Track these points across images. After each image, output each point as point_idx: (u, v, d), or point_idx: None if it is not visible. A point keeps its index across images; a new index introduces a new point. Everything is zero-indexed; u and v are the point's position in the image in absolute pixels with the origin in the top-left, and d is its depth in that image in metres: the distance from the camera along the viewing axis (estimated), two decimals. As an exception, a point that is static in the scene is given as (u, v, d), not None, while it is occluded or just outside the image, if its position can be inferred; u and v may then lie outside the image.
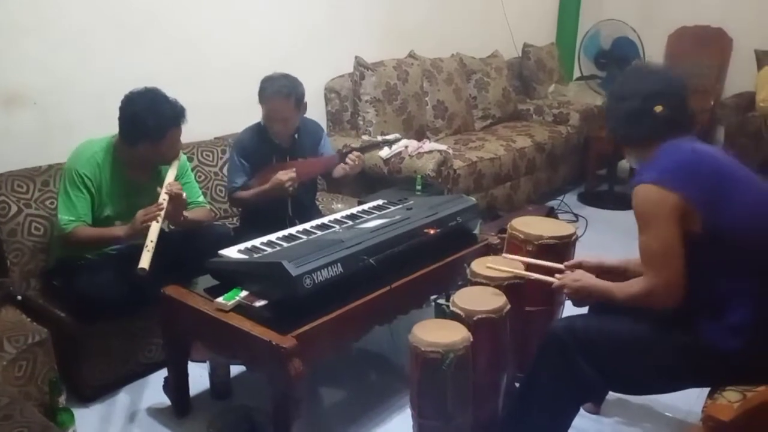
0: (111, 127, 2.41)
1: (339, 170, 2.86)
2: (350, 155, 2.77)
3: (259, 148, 2.75)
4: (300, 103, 2.68)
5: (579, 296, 1.92)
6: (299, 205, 2.81)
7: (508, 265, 2.17)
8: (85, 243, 2.37)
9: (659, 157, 1.76)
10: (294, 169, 2.64)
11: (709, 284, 1.72)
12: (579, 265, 2.03)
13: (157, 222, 2.21)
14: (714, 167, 1.74)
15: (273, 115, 2.65)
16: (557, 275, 2.00)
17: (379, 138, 3.64)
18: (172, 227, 2.55)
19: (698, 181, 1.69)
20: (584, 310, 2.11)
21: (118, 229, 2.36)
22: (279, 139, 2.74)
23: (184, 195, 2.38)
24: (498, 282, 2.15)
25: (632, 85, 1.85)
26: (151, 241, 2.15)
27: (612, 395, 2.16)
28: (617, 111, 1.86)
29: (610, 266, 2.03)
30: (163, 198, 2.28)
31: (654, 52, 4.42)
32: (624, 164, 5.27)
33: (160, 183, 2.36)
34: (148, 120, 2.28)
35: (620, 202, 4.69)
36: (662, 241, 1.68)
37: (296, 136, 2.79)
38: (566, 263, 2.07)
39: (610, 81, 4.61)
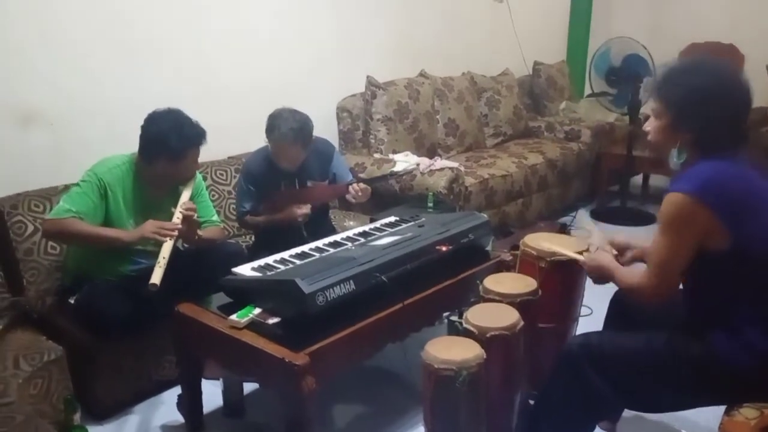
0: (124, 147, 2.45)
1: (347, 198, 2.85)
2: (353, 186, 2.72)
3: (266, 174, 2.77)
4: (307, 143, 2.68)
5: (594, 273, 1.99)
6: (313, 224, 2.82)
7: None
8: (73, 236, 2.31)
9: (701, 166, 1.70)
10: (309, 206, 2.68)
11: (729, 301, 1.71)
12: (610, 242, 2.10)
13: (170, 240, 2.23)
14: (748, 187, 1.70)
15: (280, 156, 2.68)
16: (585, 253, 2.13)
17: (388, 171, 3.62)
18: (186, 245, 2.57)
19: (732, 199, 1.66)
20: (599, 325, 2.10)
21: (122, 232, 2.35)
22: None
23: (196, 216, 2.40)
24: (511, 299, 2.15)
25: (736, 91, 1.73)
26: (164, 258, 2.17)
27: (628, 412, 2.14)
28: (710, 108, 1.71)
29: (635, 247, 2.06)
30: (177, 217, 2.30)
31: (665, 68, 4.42)
32: (636, 180, 5.27)
33: (176, 202, 2.39)
34: (171, 140, 2.32)
35: (632, 218, 4.68)
36: (674, 253, 1.68)
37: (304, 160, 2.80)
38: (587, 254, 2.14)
39: (621, 98, 4.63)
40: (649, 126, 1.84)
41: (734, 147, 1.72)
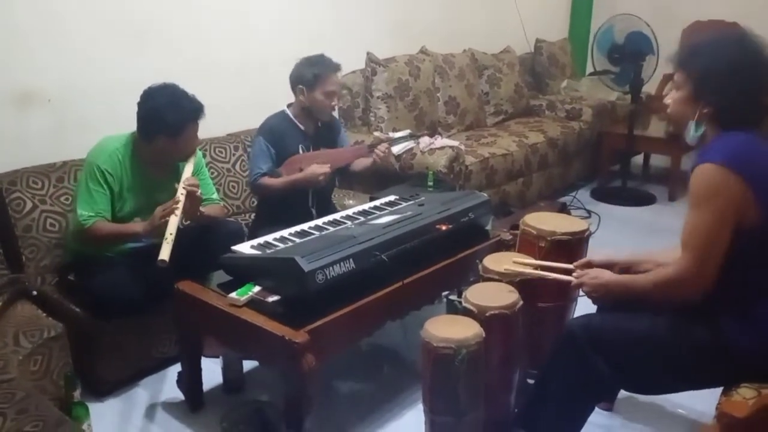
0: (123, 124, 2.43)
1: (360, 163, 2.89)
2: (381, 146, 2.82)
3: (286, 135, 2.79)
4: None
5: (599, 293, 1.86)
6: (320, 197, 2.86)
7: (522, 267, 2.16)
8: (104, 238, 2.38)
9: (723, 139, 1.67)
10: (329, 165, 2.71)
11: (742, 279, 1.67)
12: (588, 264, 1.99)
13: (176, 216, 2.23)
14: None
15: (332, 89, 2.77)
16: (575, 274, 1.96)
17: (405, 132, 3.63)
18: (187, 222, 2.56)
19: (762, 170, 1.62)
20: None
21: (137, 226, 2.38)
22: (323, 119, 2.84)
23: (199, 192, 2.39)
24: (510, 278, 2.15)
25: (760, 65, 1.69)
26: (171, 234, 2.17)
27: (625, 392, 2.15)
28: (733, 81, 1.67)
29: (618, 262, 1.98)
30: (181, 193, 2.30)
31: (668, 47, 4.36)
32: (637, 160, 5.26)
33: (178, 179, 2.37)
34: (168, 115, 2.30)
35: (633, 198, 4.68)
36: (712, 224, 1.60)
37: (319, 124, 2.86)
38: (575, 264, 2.02)
39: (623, 76, 4.59)
40: (669, 98, 1.80)
41: (754, 122, 1.69)
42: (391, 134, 3.57)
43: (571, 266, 2.01)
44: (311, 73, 2.72)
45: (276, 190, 2.76)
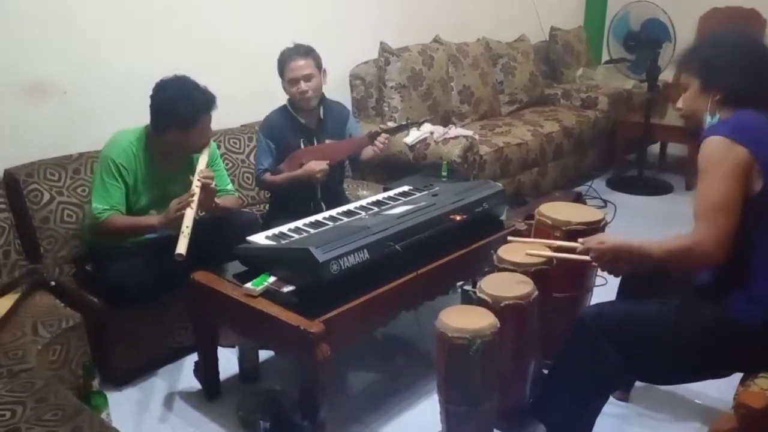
0: (137, 116, 2.44)
1: (368, 152, 2.86)
2: (380, 137, 2.77)
3: (286, 130, 2.77)
4: (319, 65, 2.73)
5: (607, 259, 1.80)
6: (328, 189, 2.83)
7: (534, 251, 2.16)
8: (119, 232, 2.40)
9: (731, 117, 1.72)
10: (327, 162, 2.66)
11: (748, 254, 1.68)
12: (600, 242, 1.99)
13: (192, 209, 2.24)
14: None
15: (296, 75, 2.67)
16: (580, 240, 1.91)
17: (406, 123, 3.63)
18: (202, 213, 2.58)
19: (765, 142, 1.65)
20: (613, 294, 2.09)
21: (153, 218, 2.39)
22: (308, 108, 2.75)
23: (213, 184, 2.40)
24: (525, 268, 2.14)
25: (761, 48, 1.77)
26: (187, 227, 2.18)
27: (641, 382, 2.14)
28: (738, 61, 1.73)
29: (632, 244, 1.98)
30: (196, 185, 2.30)
31: (685, 34, 4.32)
32: (653, 149, 5.21)
33: (192, 171, 2.38)
34: (180, 107, 2.30)
35: (649, 187, 4.64)
36: (722, 193, 1.62)
37: (321, 115, 2.81)
38: (584, 239, 1.95)
39: (639, 64, 4.54)
40: (681, 102, 1.85)
41: (766, 103, 1.72)
42: (390, 124, 3.57)
43: (578, 244, 1.92)
44: (279, 63, 2.71)
45: (278, 186, 2.78)
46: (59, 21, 2.70)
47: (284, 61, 2.69)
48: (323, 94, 2.80)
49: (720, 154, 1.64)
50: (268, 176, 2.78)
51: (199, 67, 2.63)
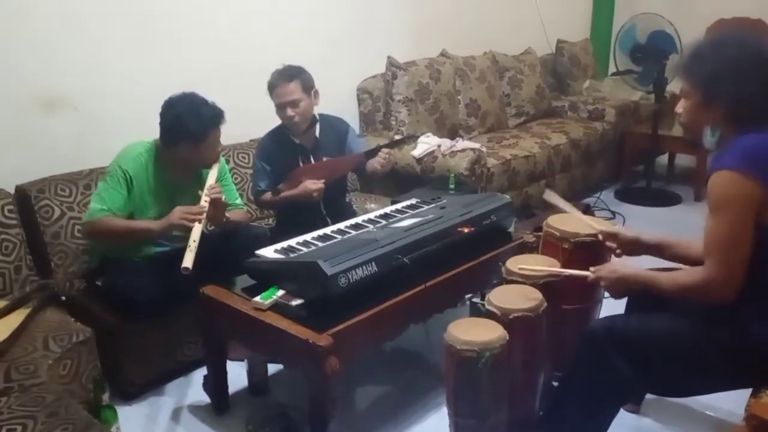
0: (148, 130, 2.46)
1: (372, 165, 2.83)
2: (382, 151, 2.76)
3: (281, 151, 2.77)
4: (308, 88, 2.67)
5: (617, 288, 1.86)
6: (331, 203, 2.83)
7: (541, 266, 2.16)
8: (113, 233, 2.37)
9: (740, 141, 1.66)
10: (323, 181, 2.65)
11: (763, 278, 1.65)
12: (615, 236, 2.00)
13: (200, 223, 2.25)
14: None
15: (282, 100, 2.65)
16: (591, 268, 1.94)
17: (406, 137, 3.65)
18: (211, 228, 2.59)
19: None
20: (623, 307, 2.08)
21: (152, 223, 2.39)
22: (297, 133, 2.74)
23: (223, 198, 2.42)
24: (534, 280, 2.14)
25: (766, 63, 1.69)
26: (194, 241, 2.19)
27: (651, 395, 2.13)
28: (739, 79, 1.66)
29: (646, 242, 1.99)
30: (205, 200, 2.32)
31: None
32: (661, 160, 5.19)
33: (201, 185, 2.40)
34: (190, 123, 2.33)
35: (658, 198, 4.63)
36: (733, 229, 1.60)
37: (317, 135, 2.79)
38: (602, 229, 2.04)
39: (646, 76, 4.55)
40: (680, 108, 1.80)
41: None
42: (396, 137, 3.58)
43: (588, 273, 1.95)
44: (268, 86, 2.68)
45: (277, 206, 2.80)
46: (72, 36, 2.74)
47: (271, 85, 2.66)
48: (315, 115, 2.76)
49: (731, 192, 1.60)
50: (266, 196, 2.79)
51: (208, 82, 2.66)
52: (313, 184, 2.63)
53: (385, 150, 2.78)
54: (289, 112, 2.66)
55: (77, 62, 2.76)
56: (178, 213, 2.30)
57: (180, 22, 3.09)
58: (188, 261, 2.12)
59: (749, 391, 1.73)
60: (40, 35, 2.66)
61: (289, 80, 2.63)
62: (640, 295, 2.02)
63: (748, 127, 1.66)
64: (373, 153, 2.81)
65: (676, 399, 2.27)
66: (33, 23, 2.63)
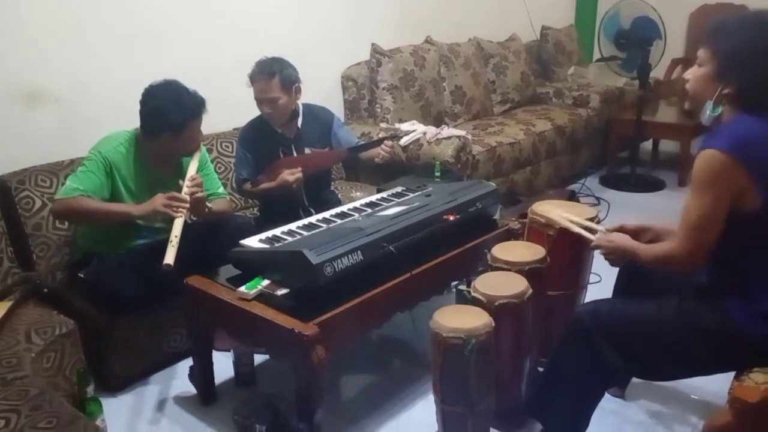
0: (131, 122, 2.43)
1: (370, 155, 2.78)
2: (386, 143, 2.74)
3: (262, 140, 2.74)
4: (288, 84, 2.62)
5: (613, 256, 1.94)
6: (313, 194, 2.81)
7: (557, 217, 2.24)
8: (85, 214, 2.29)
9: (735, 123, 1.66)
10: (300, 169, 2.61)
11: (747, 268, 1.68)
12: (620, 228, 2.02)
13: (182, 217, 2.23)
14: None
15: (259, 96, 2.63)
16: (596, 235, 2.03)
17: (398, 125, 3.63)
18: (194, 218, 2.57)
19: (765, 157, 1.61)
20: (608, 292, 2.09)
21: (132, 207, 2.33)
22: (276, 126, 2.72)
23: (202, 192, 2.38)
24: (519, 267, 2.14)
25: None
26: (176, 236, 2.16)
27: (637, 378, 2.15)
28: (757, 63, 1.64)
29: (651, 229, 2.00)
30: (185, 192, 2.29)
31: (675, 31, 4.34)
32: (646, 146, 5.22)
33: (182, 175, 2.38)
34: (170, 112, 2.30)
35: (642, 184, 4.66)
36: (706, 212, 1.62)
37: (299, 125, 2.77)
38: (607, 227, 2.07)
39: (630, 62, 4.56)
40: (690, 74, 1.77)
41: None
42: (383, 125, 3.56)
43: (600, 228, 2.08)
44: (249, 78, 2.64)
45: (257, 196, 2.77)
46: (56, 28, 2.69)
47: (251, 79, 2.62)
48: (297, 107, 2.73)
49: (714, 173, 1.60)
50: (247, 186, 2.76)
51: (193, 71, 2.63)
52: (290, 175, 2.59)
53: (388, 143, 2.75)
54: (266, 109, 2.65)
55: (58, 54, 2.72)
56: (161, 199, 2.25)
57: (163, 10, 3.04)
58: (170, 257, 2.09)
59: (733, 374, 1.75)
60: (21, 28, 2.61)
61: (270, 77, 2.59)
62: (627, 276, 2.06)
63: (751, 111, 1.65)
64: (357, 150, 2.78)
65: (662, 383, 2.29)
66: (14, 16, 2.58)
